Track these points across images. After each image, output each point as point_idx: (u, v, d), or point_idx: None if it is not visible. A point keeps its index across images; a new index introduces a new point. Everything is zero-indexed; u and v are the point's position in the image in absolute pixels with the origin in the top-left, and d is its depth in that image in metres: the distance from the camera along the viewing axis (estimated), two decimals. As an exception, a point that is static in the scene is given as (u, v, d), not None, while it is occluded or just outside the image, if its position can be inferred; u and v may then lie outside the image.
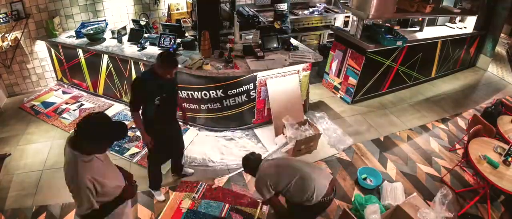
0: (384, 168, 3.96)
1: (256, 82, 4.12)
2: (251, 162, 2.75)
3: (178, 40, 4.43)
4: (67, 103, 4.90)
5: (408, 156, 4.21)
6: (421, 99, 5.65)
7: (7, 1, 4.42)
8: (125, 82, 4.66)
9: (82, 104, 4.88)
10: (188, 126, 4.30)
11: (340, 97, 5.49)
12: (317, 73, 6.08)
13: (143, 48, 4.37)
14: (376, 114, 5.13)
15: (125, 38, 4.65)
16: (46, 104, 4.85)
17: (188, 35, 4.78)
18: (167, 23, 5.18)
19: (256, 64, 4.02)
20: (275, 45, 4.45)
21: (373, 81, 5.30)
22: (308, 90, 4.77)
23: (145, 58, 4.13)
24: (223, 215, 3.22)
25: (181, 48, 4.37)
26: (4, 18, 4.43)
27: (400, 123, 4.92)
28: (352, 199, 3.47)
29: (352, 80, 5.17)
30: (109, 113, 4.69)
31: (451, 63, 6.40)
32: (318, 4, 6.56)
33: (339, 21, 6.42)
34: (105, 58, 4.57)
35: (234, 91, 4.07)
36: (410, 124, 4.89)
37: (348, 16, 6.33)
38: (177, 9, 5.45)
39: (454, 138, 4.64)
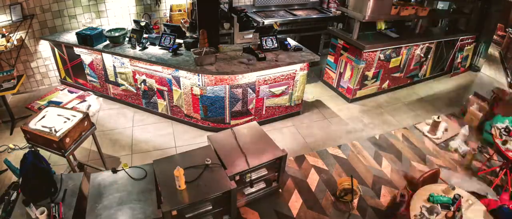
0: (379, 166, 4.09)
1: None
2: None
3: (181, 41, 4.54)
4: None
5: (402, 154, 4.34)
6: (416, 99, 5.79)
7: (12, 2, 4.51)
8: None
9: (89, 105, 4.91)
10: None
11: (338, 96, 5.63)
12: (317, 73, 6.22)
13: (144, 48, 4.47)
14: (372, 112, 5.26)
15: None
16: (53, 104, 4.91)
17: (188, 34, 4.88)
18: (168, 23, 5.29)
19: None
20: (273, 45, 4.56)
21: (369, 81, 5.43)
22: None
23: (146, 57, 4.24)
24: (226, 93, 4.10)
25: (182, 48, 4.49)
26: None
27: (395, 121, 5.05)
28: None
29: (350, 79, 5.29)
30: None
31: (445, 64, 6.54)
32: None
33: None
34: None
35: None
36: (405, 123, 5.03)
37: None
38: (179, 10, 5.56)
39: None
